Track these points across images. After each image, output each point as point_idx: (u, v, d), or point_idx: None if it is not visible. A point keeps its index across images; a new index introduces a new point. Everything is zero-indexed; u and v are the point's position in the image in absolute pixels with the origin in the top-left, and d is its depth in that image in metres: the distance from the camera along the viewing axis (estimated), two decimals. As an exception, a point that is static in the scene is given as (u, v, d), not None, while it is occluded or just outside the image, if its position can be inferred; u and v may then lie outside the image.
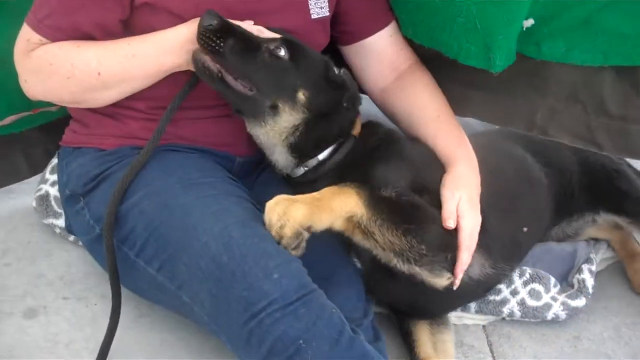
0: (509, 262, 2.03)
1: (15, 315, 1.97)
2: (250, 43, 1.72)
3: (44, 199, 2.27)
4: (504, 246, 1.98)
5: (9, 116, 2.12)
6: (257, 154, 1.93)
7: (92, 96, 1.79)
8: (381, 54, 2.05)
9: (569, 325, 2.10)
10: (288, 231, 1.55)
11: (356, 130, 1.87)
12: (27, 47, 1.76)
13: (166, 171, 1.76)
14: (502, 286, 2.08)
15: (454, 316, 2.06)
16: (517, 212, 2.06)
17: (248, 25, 1.75)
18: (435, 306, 1.96)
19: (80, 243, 2.08)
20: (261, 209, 1.62)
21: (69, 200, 1.90)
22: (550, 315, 2.08)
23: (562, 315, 2.08)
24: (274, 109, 1.74)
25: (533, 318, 2.08)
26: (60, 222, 2.22)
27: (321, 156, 1.82)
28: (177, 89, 1.77)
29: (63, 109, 2.05)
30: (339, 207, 1.61)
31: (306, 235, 1.57)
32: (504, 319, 2.10)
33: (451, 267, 1.75)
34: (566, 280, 2.19)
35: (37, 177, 2.33)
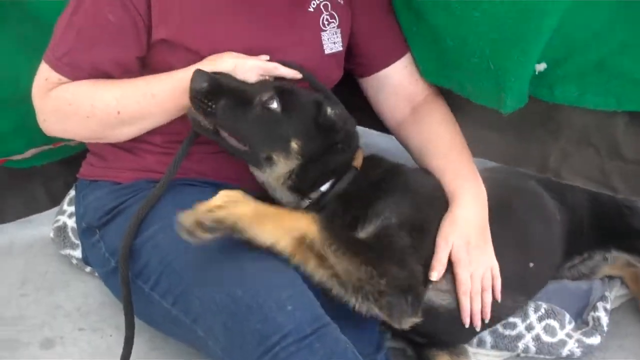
0: (523, 294, 2.02)
1: (33, 345, 1.99)
2: (241, 100, 1.73)
3: (61, 230, 2.29)
4: (518, 278, 1.96)
5: (30, 149, 2.16)
6: None
7: (112, 133, 1.82)
8: (397, 86, 2.05)
9: (585, 363, 2.08)
10: (219, 215, 1.53)
11: (357, 162, 1.87)
12: (45, 86, 1.78)
13: (181, 205, 1.76)
14: (517, 320, 2.06)
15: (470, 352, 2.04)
16: (529, 247, 2.04)
17: (263, 63, 1.78)
18: (451, 335, 1.94)
19: (97, 274, 2.09)
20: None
21: (85, 232, 1.93)
22: (565, 352, 2.05)
23: (577, 352, 2.05)
24: (269, 160, 1.76)
25: (548, 354, 2.05)
26: (77, 253, 2.24)
27: (323, 188, 1.83)
28: None
29: (82, 143, 2.08)
30: (289, 224, 1.60)
31: (229, 234, 1.55)
32: (519, 355, 2.07)
33: (415, 310, 1.65)
34: (581, 317, 2.16)
35: (56, 209, 2.36)
